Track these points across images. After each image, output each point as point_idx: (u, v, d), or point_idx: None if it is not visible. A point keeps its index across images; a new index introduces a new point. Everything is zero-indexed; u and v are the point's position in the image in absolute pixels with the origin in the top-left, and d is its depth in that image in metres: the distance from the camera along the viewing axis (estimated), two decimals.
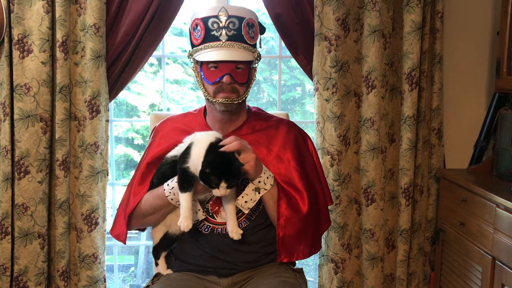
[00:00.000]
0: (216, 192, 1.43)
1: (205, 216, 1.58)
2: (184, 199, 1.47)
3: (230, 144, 1.45)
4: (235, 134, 1.64)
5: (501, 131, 2.24)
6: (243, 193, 1.53)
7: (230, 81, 1.56)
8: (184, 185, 1.47)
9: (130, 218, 1.63)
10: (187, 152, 1.49)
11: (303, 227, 1.58)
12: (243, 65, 1.58)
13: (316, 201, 1.65)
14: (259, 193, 1.53)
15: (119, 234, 1.64)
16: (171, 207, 1.57)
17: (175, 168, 1.53)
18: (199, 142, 1.48)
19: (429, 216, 2.43)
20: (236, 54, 1.55)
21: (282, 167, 1.63)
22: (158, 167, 1.63)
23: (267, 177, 1.54)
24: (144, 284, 1.70)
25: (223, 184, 1.41)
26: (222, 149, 1.43)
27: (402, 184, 2.32)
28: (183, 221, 1.45)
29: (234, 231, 1.51)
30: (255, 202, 1.54)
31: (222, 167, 1.42)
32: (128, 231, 1.64)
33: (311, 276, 3.07)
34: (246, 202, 1.52)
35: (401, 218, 2.34)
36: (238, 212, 1.57)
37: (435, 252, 2.42)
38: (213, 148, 1.45)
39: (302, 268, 1.70)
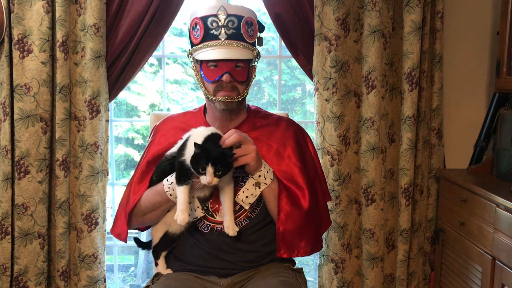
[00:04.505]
0: (203, 180, 1.40)
1: (203, 214, 1.58)
2: (181, 191, 1.46)
3: (229, 138, 1.45)
4: None
5: (501, 131, 2.24)
6: (244, 188, 1.53)
7: (230, 80, 1.56)
8: (181, 178, 1.47)
9: (131, 216, 1.63)
10: (184, 145, 1.50)
11: (304, 223, 1.57)
12: (242, 64, 1.58)
13: (316, 199, 1.65)
14: (259, 188, 1.53)
15: (120, 233, 1.64)
16: (171, 204, 1.57)
17: (175, 164, 1.53)
18: (196, 135, 1.49)
19: (429, 216, 2.43)
20: (235, 52, 1.56)
21: (282, 164, 1.63)
22: (157, 165, 1.63)
23: (267, 172, 1.55)
24: (144, 284, 1.70)
25: (209, 169, 1.38)
26: (222, 143, 1.43)
27: (402, 184, 2.32)
28: (179, 214, 1.45)
29: (231, 227, 1.50)
30: (256, 197, 1.54)
31: (208, 151, 1.40)
32: (128, 230, 1.64)
33: (311, 276, 3.06)
34: (247, 197, 1.53)
35: (401, 218, 2.34)
36: (238, 210, 1.58)
37: (435, 252, 2.42)
38: (209, 138, 1.45)
39: (302, 268, 1.70)
